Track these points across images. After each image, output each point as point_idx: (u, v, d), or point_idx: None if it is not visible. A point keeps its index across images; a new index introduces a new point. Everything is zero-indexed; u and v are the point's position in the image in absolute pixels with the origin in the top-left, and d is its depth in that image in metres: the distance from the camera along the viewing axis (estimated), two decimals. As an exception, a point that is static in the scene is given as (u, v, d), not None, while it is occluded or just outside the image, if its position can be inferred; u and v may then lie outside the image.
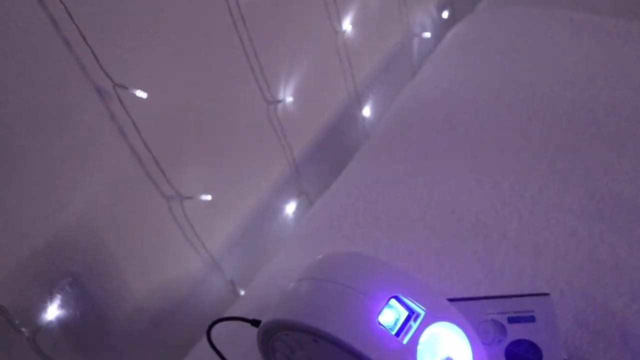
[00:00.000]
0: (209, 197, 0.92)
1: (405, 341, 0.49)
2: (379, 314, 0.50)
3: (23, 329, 0.72)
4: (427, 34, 1.52)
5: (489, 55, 1.25)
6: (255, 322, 0.59)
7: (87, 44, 0.72)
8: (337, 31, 1.20)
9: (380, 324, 0.49)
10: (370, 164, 1.09)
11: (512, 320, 0.70)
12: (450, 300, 0.55)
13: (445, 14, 1.63)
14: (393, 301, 0.51)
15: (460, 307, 0.56)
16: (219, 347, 0.65)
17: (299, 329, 0.51)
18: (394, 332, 0.49)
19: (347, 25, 1.21)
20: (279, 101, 1.07)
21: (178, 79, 0.88)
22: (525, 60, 1.20)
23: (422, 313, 0.51)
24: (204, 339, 0.67)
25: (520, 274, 0.79)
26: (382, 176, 1.03)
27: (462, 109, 1.12)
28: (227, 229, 1.03)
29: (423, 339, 0.50)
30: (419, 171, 1.01)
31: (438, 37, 1.57)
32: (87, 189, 0.78)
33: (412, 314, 0.51)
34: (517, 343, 0.68)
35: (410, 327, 0.50)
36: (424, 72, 1.34)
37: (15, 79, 0.67)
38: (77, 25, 0.70)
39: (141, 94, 0.78)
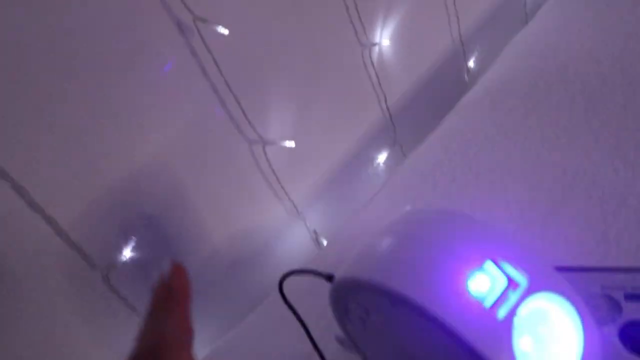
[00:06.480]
0: (292, 144, 0.87)
1: (500, 316, 0.41)
2: (469, 278, 0.42)
3: (97, 267, 0.70)
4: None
5: (614, 2, 1.11)
6: (329, 277, 0.53)
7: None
8: (443, -31, 1.10)
9: (470, 291, 0.41)
10: (471, 117, 1.00)
11: (629, 297, 0.60)
12: (558, 269, 0.47)
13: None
14: (489, 264, 0.43)
15: (568, 277, 0.47)
16: (295, 299, 0.60)
17: (374, 289, 0.45)
18: (487, 304, 0.41)
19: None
20: (375, 44, 0.99)
21: (264, 16, 0.82)
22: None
23: (524, 281, 0.43)
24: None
25: (641, 245, 0.69)
26: (484, 130, 0.94)
27: (580, 60, 1.00)
28: (313, 176, 0.97)
29: (523, 312, 0.42)
30: (526, 126, 0.91)
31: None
32: (166, 127, 0.74)
33: (510, 282, 0.43)
34: (633, 324, 0.58)
35: (508, 297, 0.42)
36: (537, 19, 1.22)
37: (90, 13, 0.63)
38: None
39: (222, 30, 0.73)
